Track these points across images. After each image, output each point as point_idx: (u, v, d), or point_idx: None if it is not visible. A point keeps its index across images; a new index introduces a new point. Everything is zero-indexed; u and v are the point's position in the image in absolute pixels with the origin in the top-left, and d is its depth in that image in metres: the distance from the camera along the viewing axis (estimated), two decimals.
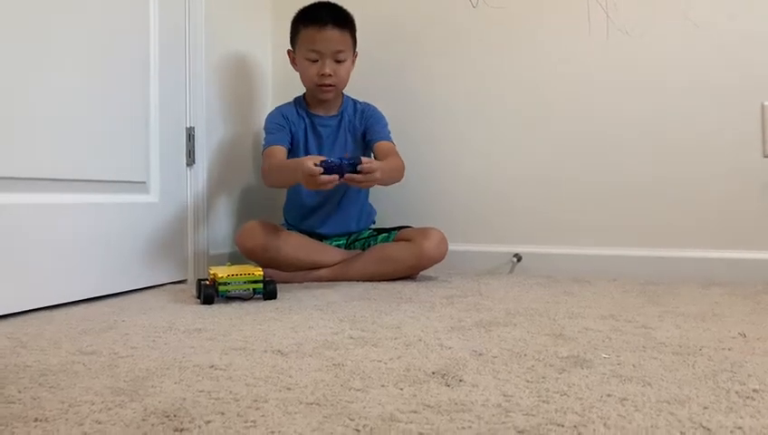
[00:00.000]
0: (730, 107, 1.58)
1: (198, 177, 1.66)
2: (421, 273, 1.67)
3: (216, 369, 0.78)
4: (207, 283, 1.30)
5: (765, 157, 1.56)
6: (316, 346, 0.90)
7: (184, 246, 1.62)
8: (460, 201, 1.85)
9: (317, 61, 1.64)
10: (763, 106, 1.55)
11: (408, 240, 1.63)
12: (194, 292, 1.38)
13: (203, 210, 1.67)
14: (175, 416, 0.61)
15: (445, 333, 0.98)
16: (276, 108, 1.76)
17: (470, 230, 1.82)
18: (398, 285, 1.52)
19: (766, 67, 1.55)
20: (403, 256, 1.59)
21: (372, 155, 1.72)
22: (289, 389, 0.69)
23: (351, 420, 0.60)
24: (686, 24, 1.62)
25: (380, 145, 1.70)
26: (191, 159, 1.63)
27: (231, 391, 0.69)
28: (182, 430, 0.57)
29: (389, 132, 1.75)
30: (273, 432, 0.57)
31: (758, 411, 0.62)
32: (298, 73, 1.71)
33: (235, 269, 1.32)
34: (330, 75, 1.63)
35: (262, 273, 1.31)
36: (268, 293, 1.31)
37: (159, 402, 0.65)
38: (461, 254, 1.76)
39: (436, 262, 1.61)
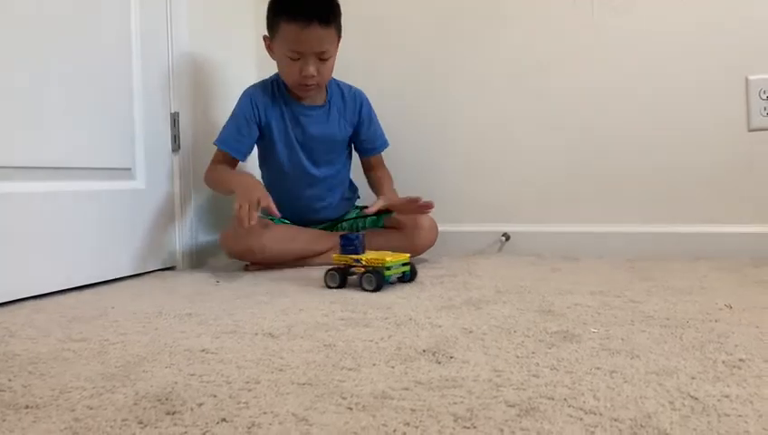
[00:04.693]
0: (715, 81, 1.58)
1: (185, 162, 1.64)
2: None
3: (207, 353, 0.78)
4: (364, 267, 1.23)
5: (750, 131, 1.56)
6: (307, 328, 0.90)
7: (172, 233, 1.61)
8: (449, 182, 1.85)
9: (298, 59, 1.49)
10: (747, 80, 1.56)
11: (397, 227, 1.62)
12: (328, 282, 1.26)
13: (190, 196, 1.66)
14: (167, 399, 0.61)
15: (435, 312, 0.99)
16: (249, 90, 1.62)
17: (459, 211, 1.82)
18: None
19: (750, 41, 1.55)
20: (394, 245, 1.57)
21: (359, 156, 1.75)
22: (281, 370, 0.70)
23: (344, 398, 0.60)
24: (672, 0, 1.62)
25: (374, 160, 1.75)
26: (176, 144, 1.62)
27: (223, 374, 0.69)
28: (174, 413, 0.57)
29: (379, 126, 1.74)
30: (265, 413, 0.57)
31: (744, 380, 0.63)
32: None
33: (383, 254, 1.26)
34: (313, 75, 1.50)
35: (408, 256, 1.29)
36: (413, 275, 1.30)
37: (151, 387, 0.65)
38: (450, 234, 1.76)
39: (426, 249, 1.61)
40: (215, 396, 0.62)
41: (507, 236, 1.78)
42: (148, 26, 1.53)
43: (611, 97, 1.68)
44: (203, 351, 0.79)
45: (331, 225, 1.72)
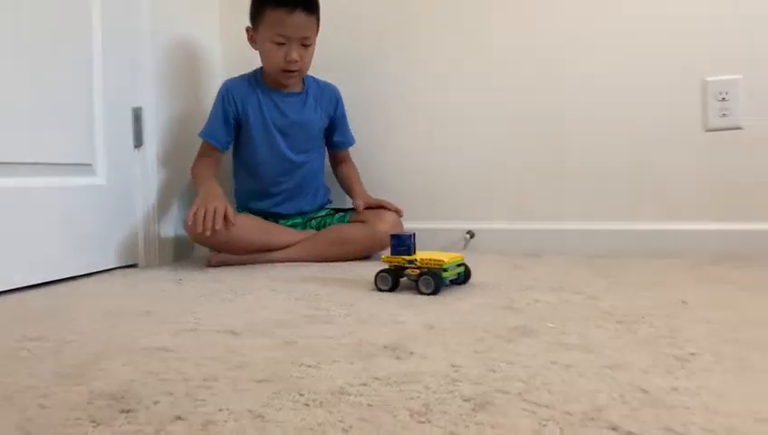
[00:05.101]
0: (673, 82, 1.62)
1: (147, 158, 1.62)
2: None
3: (166, 351, 0.78)
4: (419, 269, 1.14)
5: (707, 131, 1.60)
6: (269, 326, 0.89)
7: (133, 230, 1.59)
8: (413, 180, 1.85)
9: (283, 44, 1.58)
10: (704, 81, 1.60)
11: (363, 221, 1.64)
12: (379, 285, 1.17)
13: (153, 192, 1.63)
14: (122, 398, 0.60)
15: (398, 309, 0.99)
16: (226, 82, 1.70)
17: (424, 208, 1.82)
18: (354, 265, 1.53)
19: (708, 43, 1.59)
20: (357, 237, 1.60)
21: (328, 150, 1.81)
22: (240, 367, 0.69)
23: (301, 395, 0.60)
24: (631, 1, 1.66)
25: (344, 153, 1.82)
26: (139, 140, 1.60)
27: (180, 372, 0.68)
28: (129, 411, 0.57)
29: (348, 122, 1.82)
30: (221, 410, 0.57)
31: (693, 373, 0.64)
32: (248, 51, 1.68)
33: (436, 253, 1.17)
34: (296, 61, 1.59)
35: (462, 256, 1.19)
36: (467, 276, 1.21)
37: (106, 385, 0.64)
38: (416, 232, 1.76)
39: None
40: (171, 394, 0.61)
41: (472, 234, 1.79)
42: (109, 18, 1.50)
43: (572, 97, 1.71)
44: (162, 349, 0.78)
45: (301, 222, 1.72)
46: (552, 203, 1.73)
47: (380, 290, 1.16)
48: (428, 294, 1.11)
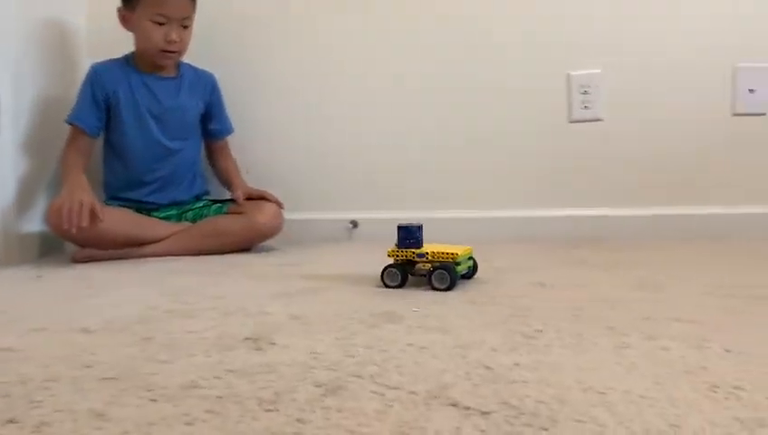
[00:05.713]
0: (540, 76, 1.70)
1: (4, 148, 1.50)
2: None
3: (10, 351, 0.73)
4: (430, 263, 1.06)
5: (570, 122, 1.70)
6: (128, 322, 0.86)
7: None
8: (294, 169, 1.83)
9: (162, 24, 1.55)
10: (568, 75, 1.70)
11: (241, 213, 1.60)
12: (386, 281, 1.07)
13: (11, 184, 1.52)
14: None
15: (268, 300, 0.98)
16: (94, 65, 1.62)
17: (306, 199, 1.81)
18: (231, 257, 1.50)
19: (571, 39, 1.69)
20: (235, 229, 1.57)
21: (205, 141, 1.76)
22: (87, 366, 0.66)
23: (149, 390, 0.58)
24: None
25: (221, 144, 1.77)
26: None
27: (21, 373, 0.64)
28: None
29: (226, 110, 1.78)
30: (59, 410, 0.54)
31: (536, 349, 0.69)
32: (118, 33, 1.61)
33: (444, 246, 1.09)
34: (176, 41, 1.57)
35: (471, 248, 1.12)
36: (475, 269, 1.14)
37: None
38: (299, 223, 1.75)
39: (270, 236, 1.61)
40: (7, 396, 0.58)
41: (355, 224, 1.80)
42: None
43: (439, 93, 1.76)
44: (6, 350, 0.74)
45: (176, 214, 1.66)
46: (430, 192, 1.78)
47: (388, 286, 1.06)
48: (443, 290, 1.02)
